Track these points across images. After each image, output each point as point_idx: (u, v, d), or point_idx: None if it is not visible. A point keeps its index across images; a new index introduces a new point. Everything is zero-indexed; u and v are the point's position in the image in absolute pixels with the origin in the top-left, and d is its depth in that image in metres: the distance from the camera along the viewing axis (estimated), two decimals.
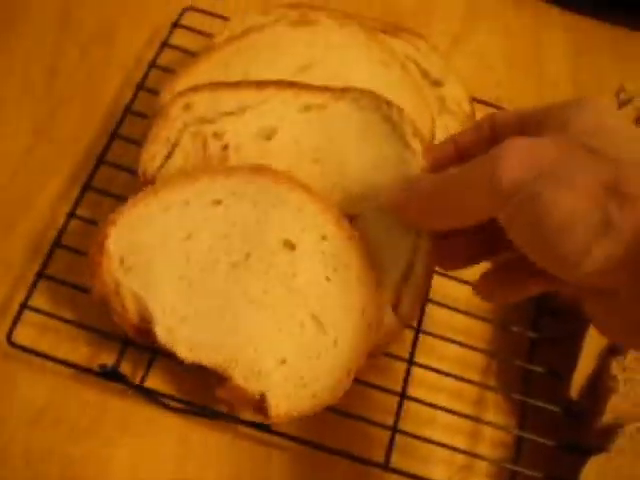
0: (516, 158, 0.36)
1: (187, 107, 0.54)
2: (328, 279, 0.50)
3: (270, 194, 0.51)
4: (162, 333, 0.49)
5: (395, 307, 0.51)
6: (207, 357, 0.49)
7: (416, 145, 0.51)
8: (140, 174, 0.54)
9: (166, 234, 0.50)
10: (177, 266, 0.50)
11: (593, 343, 0.55)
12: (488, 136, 0.44)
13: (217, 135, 0.54)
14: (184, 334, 0.49)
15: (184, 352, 0.49)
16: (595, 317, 0.40)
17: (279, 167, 0.52)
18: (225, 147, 0.53)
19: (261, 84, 0.54)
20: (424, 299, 0.53)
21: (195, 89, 0.55)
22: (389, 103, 0.53)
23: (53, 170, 0.63)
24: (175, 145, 0.54)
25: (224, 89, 0.54)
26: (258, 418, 0.51)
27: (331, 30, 0.59)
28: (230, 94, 0.54)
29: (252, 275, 0.50)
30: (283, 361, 0.49)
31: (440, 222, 0.44)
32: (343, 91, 0.54)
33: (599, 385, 0.55)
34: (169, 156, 0.54)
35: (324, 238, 0.50)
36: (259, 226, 0.51)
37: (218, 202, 0.51)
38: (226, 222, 0.51)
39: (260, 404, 0.48)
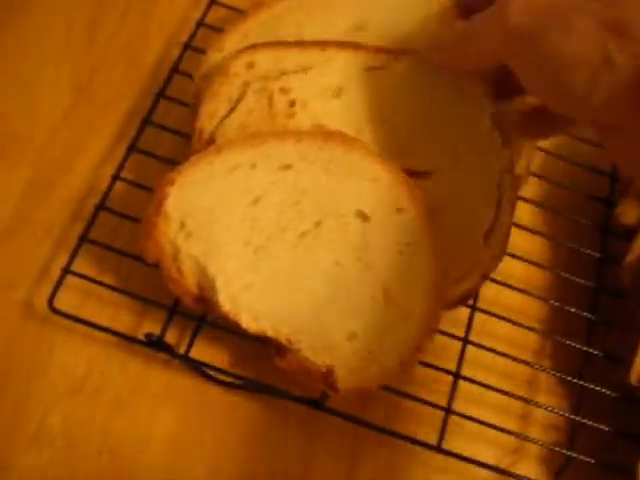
0: (522, 1, 0.39)
1: (250, 65, 0.52)
2: (401, 253, 0.48)
3: (343, 162, 0.49)
4: (225, 302, 0.47)
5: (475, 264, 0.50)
6: (273, 328, 0.47)
7: (485, 103, 0.51)
8: (197, 132, 0.51)
9: (231, 197, 0.48)
10: (242, 232, 0.48)
11: None
12: None
13: (284, 90, 0.51)
14: (249, 303, 0.47)
15: (248, 322, 0.47)
16: (614, 155, 0.42)
17: (347, 126, 0.50)
18: (292, 103, 0.51)
19: (323, 44, 0.52)
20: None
21: (255, 47, 0.53)
22: None
23: (95, 131, 0.61)
24: (237, 102, 0.52)
25: (286, 48, 0.52)
26: (314, 392, 0.50)
27: None
28: (293, 53, 0.52)
29: (322, 245, 0.48)
30: (353, 335, 0.47)
31: (470, 64, 0.47)
32: (404, 52, 0.52)
33: None
34: (229, 114, 0.52)
35: (399, 211, 0.48)
36: (331, 195, 0.48)
37: (288, 167, 0.49)
38: (296, 188, 0.49)
39: (326, 377, 0.46)
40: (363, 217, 0.48)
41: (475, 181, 0.51)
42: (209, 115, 0.52)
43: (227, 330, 0.51)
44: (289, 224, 0.48)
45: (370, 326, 0.47)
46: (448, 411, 0.52)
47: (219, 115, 0.52)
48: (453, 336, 0.54)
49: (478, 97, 0.51)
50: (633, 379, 0.53)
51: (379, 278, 0.48)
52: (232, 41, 0.55)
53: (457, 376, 0.53)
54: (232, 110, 0.52)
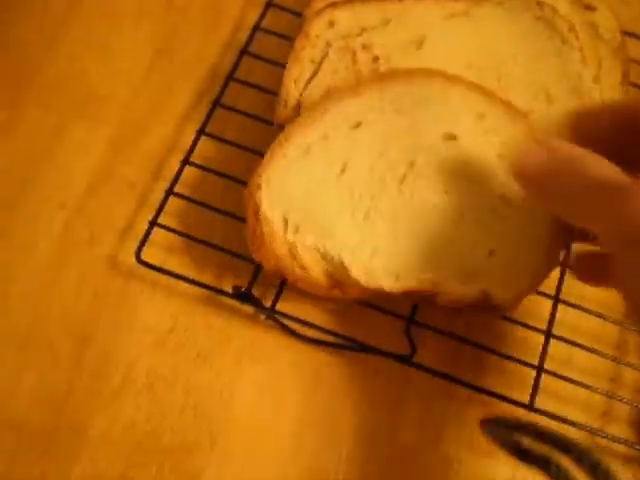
0: None
1: (330, 24, 0.51)
2: (501, 156, 0.47)
3: (408, 95, 0.48)
4: (360, 275, 0.46)
5: None
6: (416, 279, 0.46)
7: (574, 40, 0.50)
8: (282, 99, 0.51)
9: (318, 177, 0.47)
10: (344, 203, 0.47)
11: None
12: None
13: (366, 47, 0.51)
14: (383, 266, 0.46)
15: (391, 284, 0.46)
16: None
17: None
18: (375, 59, 0.50)
19: None
20: None
21: (334, 5, 0.52)
22: (539, 2, 0.51)
23: (176, 89, 0.61)
24: (320, 64, 0.51)
25: (364, 3, 0.52)
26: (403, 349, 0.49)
27: None
28: (371, 8, 0.51)
29: (425, 181, 0.47)
30: (492, 252, 0.46)
31: (555, 207, 0.39)
32: None
33: None
34: (313, 76, 0.51)
35: (481, 117, 0.47)
36: (412, 131, 0.47)
37: (358, 124, 0.48)
38: (376, 140, 0.48)
39: (484, 301, 0.46)
40: (451, 138, 0.47)
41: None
42: (293, 80, 0.51)
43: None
44: (384, 176, 0.47)
45: (502, 235, 0.46)
46: (540, 369, 0.50)
47: (304, 79, 0.51)
48: (544, 294, 0.52)
49: (566, 32, 0.50)
50: None
51: (491, 189, 0.47)
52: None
53: (549, 335, 0.51)
54: (316, 73, 0.51)
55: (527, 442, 0.34)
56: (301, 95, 0.50)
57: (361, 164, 0.47)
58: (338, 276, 0.46)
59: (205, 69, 0.61)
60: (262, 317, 0.53)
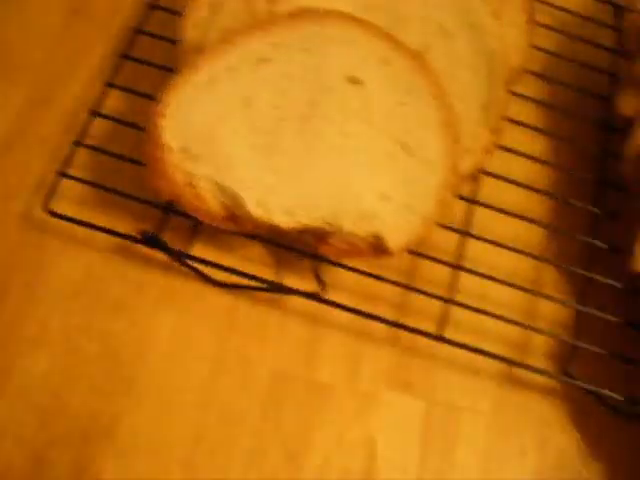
0: None
1: None
2: (402, 103, 0.48)
3: (317, 35, 0.48)
4: (254, 209, 0.47)
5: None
6: (308, 217, 0.47)
7: None
8: (183, 43, 0.51)
9: (222, 108, 0.48)
10: (245, 137, 0.48)
11: None
12: None
13: None
14: (277, 202, 0.47)
15: (284, 220, 0.47)
16: None
17: None
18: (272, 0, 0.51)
19: None
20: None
21: None
22: None
23: (91, 47, 0.61)
24: (219, 6, 0.51)
25: None
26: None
27: None
28: None
29: (326, 121, 0.48)
30: (385, 196, 0.47)
31: None
32: None
33: None
34: (212, 19, 0.51)
35: (386, 63, 0.48)
36: (317, 70, 0.48)
37: (265, 59, 0.49)
38: (281, 76, 0.48)
39: (376, 244, 0.47)
40: (355, 81, 0.48)
41: (467, 57, 0.51)
42: (192, 24, 0.52)
43: (226, 233, 0.51)
44: (287, 113, 0.48)
45: (397, 181, 0.48)
46: (448, 301, 0.51)
47: (202, 23, 0.51)
48: (453, 229, 0.53)
49: None
50: (637, 267, 0.52)
51: (390, 133, 0.48)
52: None
53: (457, 267, 0.52)
54: (214, 16, 0.51)
55: None
56: (201, 39, 0.51)
57: (264, 100, 0.48)
58: (234, 209, 0.47)
59: (119, 25, 0.61)
60: (176, 264, 0.53)
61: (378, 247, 0.47)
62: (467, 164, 0.51)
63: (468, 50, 0.51)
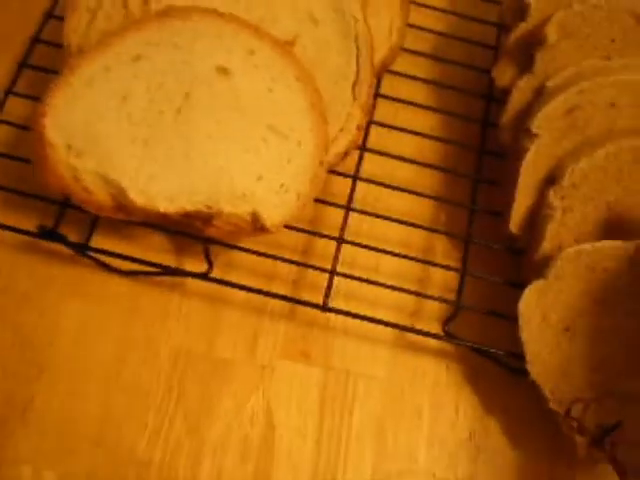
0: None
1: None
2: (270, 90, 0.52)
3: (185, 31, 0.52)
4: (137, 197, 0.50)
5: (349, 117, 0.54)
6: (189, 202, 0.50)
7: None
8: (65, 48, 0.55)
9: (100, 105, 0.51)
10: (124, 131, 0.51)
11: (529, 175, 0.54)
12: None
13: None
14: (158, 190, 0.50)
15: (165, 206, 0.50)
16: None
17: None
18: (146, 1, 0.54)
19: None
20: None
21: None
22: None
23: None
24: (96, 11, 0.54)
25: None
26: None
27: None
28: None
29: (199, 111, 0.51)
30: (260, 177, 0.51)
31: None
32: None
33: (538, 216, 0.54)
34: (90, 24, 0.54)
35: (251, 52, 0.52)
36: (188, 64, 0.52)
37: (138, 57, 0.52)
38: (155, 72, 0.52)
39: (254, 222, 0.50)
40: (224, 72, 0.52)
41: (334, 41, 0.55)
42: (72, 29, 0.55)
43: (124, 223, 0.54)
44: (162, 106, 0.51)
45: (271, 163, 0.51)
46: (332, 273, 0.54)
47: (82, 27, 0.55)
48: (335, 204, 0.56)
49: None
50: (513, 228, 0.54)
51: (261, 119, 0.51)
52: None
53: (341, 241, 0.55)
54: (92, 20, 0.55)
55: None
56: (81, 43, 0.54)
57: (141, 95, 0.51)
58: (120, 199, 0.50)
59: (23, 37, 0.64)
60: (79, 256, 0.56)
61: (256, 225, 0.50)
62: (342, 142, 0.54)
63: (335, 35, 0.54)
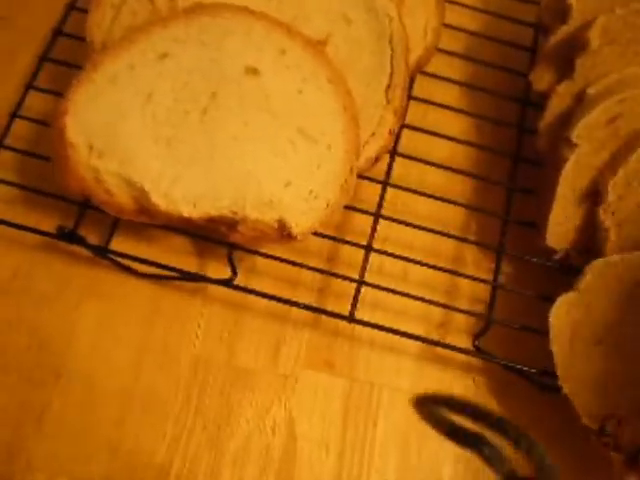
0: None
1: None
2: (300, 91, 0.49)
3: (213, 28, 0.50)
4: (160, 201, 0.48)
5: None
6: (213, 207, 0.48)
7: None
8: (88, 45, 0.53)
9: (124, 103, 0.49)
10: (148, 131, 0.49)
11: (567, 186, 0.52)
12: None
13: None
14: (182, 193, 0.48)
15: (189, 210, 0.48)
16: None
17: None
18: None
19: None
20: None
21: None
22: None
23: (18, 53, 0.62)
24: (120, 6, 0.53)
25: None
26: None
27: None
28: None
29: (226, 112, 0.49)
30: (288, 183, 0.48)
31: None
32: None
33: (586, 234, 0.52)
34: (115, 20, 0.53)
35: (283, 52, 0.50)
36: (215, 63, 0.50)
37: (164, 55, 0.50)
38: (181, 70, 0.50)
39: (282, 230, 0.48)
40: (253, 72, 0.50)
41: (368, 42, 0.52)
42: (96, 25, 0.53)
43: (145, 225, 0.52)
44: (188, 106, 0.49)
45: (300, 168, 0.49)
46: (360, 282, 0.52)
47: (106, 23, 0.53)
48: (363, 211, 0.54)
49: None
50: (549, 241, 0.52)
51: (290, 122, 0.49)
52: None
53: (369, 249, 0.53)
54: (117, 16, 0.53)
55: (460, 421, 0.33)
56: (105, 39, 0.52)
57: (166, 94, 0.49)
58: (142, 201, 0.48)
59: (45, 31, 0.62)
60: (99, 258, 0.54)
61: (283, 232, 0.48)
62: (374, 147, 0.52)
63: (369, 35, 0.52)
